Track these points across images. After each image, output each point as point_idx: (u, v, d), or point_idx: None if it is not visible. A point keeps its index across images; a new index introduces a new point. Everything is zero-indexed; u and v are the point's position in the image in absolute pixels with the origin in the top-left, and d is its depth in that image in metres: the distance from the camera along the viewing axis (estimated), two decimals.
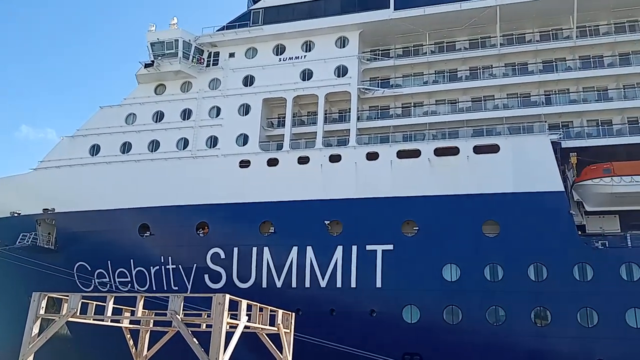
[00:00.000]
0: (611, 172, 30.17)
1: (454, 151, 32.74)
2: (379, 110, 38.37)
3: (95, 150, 40.05)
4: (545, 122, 33.37)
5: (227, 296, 16.81)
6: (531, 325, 28.43)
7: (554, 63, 35.70)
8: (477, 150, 32.35)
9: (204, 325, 19.92)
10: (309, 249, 32.74)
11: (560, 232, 29.35)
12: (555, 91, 35.33)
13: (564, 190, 30.33)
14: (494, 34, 36.31)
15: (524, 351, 28.01)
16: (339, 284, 31.77)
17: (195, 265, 34.52)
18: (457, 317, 29.45)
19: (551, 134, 32.13)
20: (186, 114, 39.42)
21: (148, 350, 21.67)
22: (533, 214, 29.70)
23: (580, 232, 30.41)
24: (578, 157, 31.70)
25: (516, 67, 36.27)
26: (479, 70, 36.91)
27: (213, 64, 40.56)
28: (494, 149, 32.12)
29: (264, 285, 32.96)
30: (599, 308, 27.70)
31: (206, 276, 34.15)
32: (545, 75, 35.01)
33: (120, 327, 21.26)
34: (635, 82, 33.83)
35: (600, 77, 34.26)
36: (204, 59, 40.75)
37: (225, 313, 16.45)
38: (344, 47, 38.09)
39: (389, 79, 38.80)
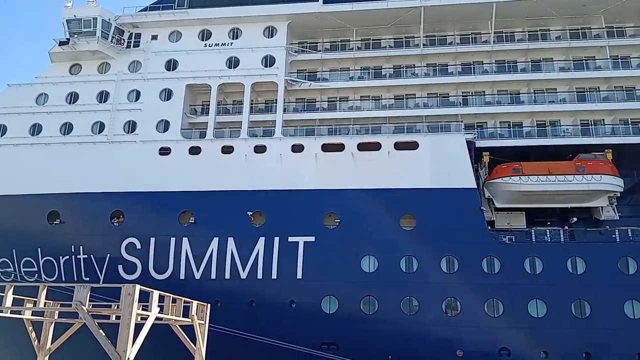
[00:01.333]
0: (520, 171, 32.06)
1: (376, 146, 33.49)
2: (306, 103, 38.48)
3: (1, 131, 37.26)
4: (462, 121, 34.83)
5: (138, 287, 16.20)
6: (442, 315, 29.75)
7: (472, 66, 37.33)
8: (398, 146, 33.28)
9: (114, 317, 19.12)
10: (230, 240, 32.33)
11: (472, 226, 30.89)
12: (472, 93, 37.01)
13: (476, 187, 31.91)
14: (417, 34, 37.39)
15: (435, 340, 29.22)
16: (259, 276, 31.64)
17: (108, 255, 33.07)
18: (374, 307, 30.25)
19: (467, 133, 33.63)
20: (103, 97, 37.53)
21: (52, 343, 20.47)
22: (447, 209, 31.05)
23: (489, 227, 32.14)
24: (490, 156, 33.49)
25: (437, 67, 37.58)
26: (402, 69, 37.88)
27: (134, 46, 38.85)
28: (413, 145, 33.18)
29: (182, 276, 32.18)
30: (504, 299, 29.44)
31: (120, 267, 32.81)
32: (463, 77, 36.57)
33: (22, 318, 19.95)
34: (544, 87, 36.09)
35: (514, 82, 36.22)
36: (124, 39, 38.93)
37: (135, 304, 15.85)
38: (272, 37, 37.77)
39: (316, 72, 38.95)
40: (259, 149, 34.48)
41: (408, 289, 30.15)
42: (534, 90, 36.24)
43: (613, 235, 31.00)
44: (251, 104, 36.97)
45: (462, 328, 29.25)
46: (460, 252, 30.32)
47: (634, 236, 30.86)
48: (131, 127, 36.42)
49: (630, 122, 34.09)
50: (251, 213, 32.91)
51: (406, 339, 29.17)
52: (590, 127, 34.33)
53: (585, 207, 32.40)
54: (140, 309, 16.82)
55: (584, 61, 36.19)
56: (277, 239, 32.03)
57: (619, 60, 35.81)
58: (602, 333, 27.96)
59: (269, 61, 37.08)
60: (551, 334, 28.45)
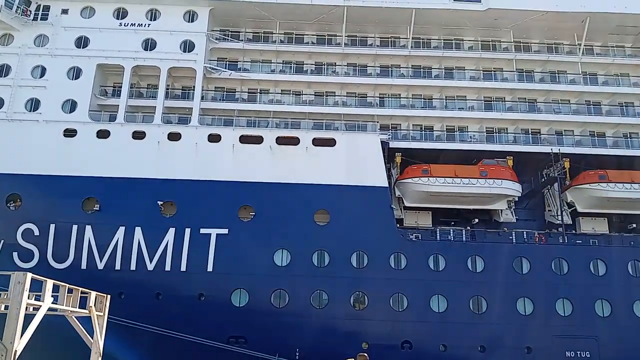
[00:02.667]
0: (428, 173, 33.50)
1: (295, 141, 33.56)
2: (225, 93, 37.74)
3: None
4: (378, 122, 35.69)
5: (29, 275, 15.11)
6: (350, 309, 30.43)
7: (390, 69, 38.41)
8: (316, 142, 33.57)
9: (2, 306, 17.72)
10: (138, 230, 31.05)
11: (382, 224, 31.86)
12: (388, 95, 38.10)
13: (387, 186, 32.94)
14: (339, 33, 37.88)
15: (342, 333, 29.77)
16: (167, 267, 30.64)
17: (2, 241, 30.61)
18: (284, 301, 30.34)
19: (381, 133, 34.54)
20: (4, 71, 34.62)
21: None
22: (360, 205, 31.78)
23: (398, 225, 33.33)
24: (402, 157, 34.72)
25: (357, 67, 38.28)
26: (323, 66, 38.26)
27: (41, 19, 36.08)
28: (330, 142, 33.61)
29: (84, 266, 30.44)
30: (408, 294, 30.65)
31: (15, 254, 30.47)
32: (381, 79, 37.55)
33: None
34: (455, 94, 37.91)
35: (428, 87, 37.73)
36: (30, 11, 36.08)
37: (26, 293, 14.77)
38: (192, 21, 36.62)
39: (237, 61, 38.30)
40: (173, 137, 33.38)
41: (319, 282, 30.54)
42: (446, 97, 37.94)
43: (510, 237, 33.23)
44: (167, 89, 35.68)
45: (368, 321, 30.07)
46: (370, 248, 31.16)
47: (528, 238, 33.30)
48: (34, 105, 33.89)
49: (530, 132, 36.70)
50: (162, 203, 31.81)
51: (314, 332, 29.50)
52: (494, 134, 36.56)
53: (487, 209, 34.50)
54: (34, 298, 15.70)
55: (492, 72, 38.45)
56: (188, 230, 31.18)
57: (524, 73, 38.44)
58: (496, 328, 29.78)
59: (188, 46, 35.94)
60: (450, 328, 29.98)
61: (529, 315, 30.27)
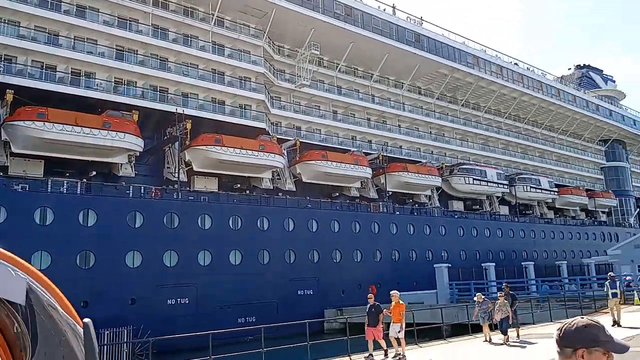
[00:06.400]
0: (45, 117, 30.35)
1: None
2: None
3: None
4: None
5: None
6: None
7: None
8: None
9: None
10: None
11: None
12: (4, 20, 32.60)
13: None
14: None
15: None
16: None
17: None
18: None
19: None
20: None
21: None
22: None
23: (1, 173, 29.30)
24: (15, 96, 30.46)
25: None
26: None
27: None
28: None
29: None
30: (10, 249, 27.23)
31: None
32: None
33: None
34: (86, 36, 35.12)
35: (57, 22, 33.84)
36: None
37: None
38: None
39: None
40: None
41: None
42: (75, 37, 34.92)
43: (127, 191, 33.40)
44: None
45: None
46: None
47: (144, 193, 34.18)
48: None
49: (158, 90, 37.40)
50: None
51: None
52: (123, 86, 35.81)
53: (107, 162, 33.74)
54: None
55: (128, 21, 37.25)
56: None
57: (159, 30, 38.64)
58: (102, 281, 29.29)
59: None
60: (57, 285, 28.20)
61: (136, 267, 31.06)
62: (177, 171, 35.68)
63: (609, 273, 23.58)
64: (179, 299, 31.90)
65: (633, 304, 27.59)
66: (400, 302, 15.72)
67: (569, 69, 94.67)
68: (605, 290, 20.48)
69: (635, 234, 57.75)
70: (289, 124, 45.47)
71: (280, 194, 41.52)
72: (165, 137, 36.80)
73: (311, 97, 46.93)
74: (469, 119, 61.64)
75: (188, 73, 38.91)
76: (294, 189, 42.46)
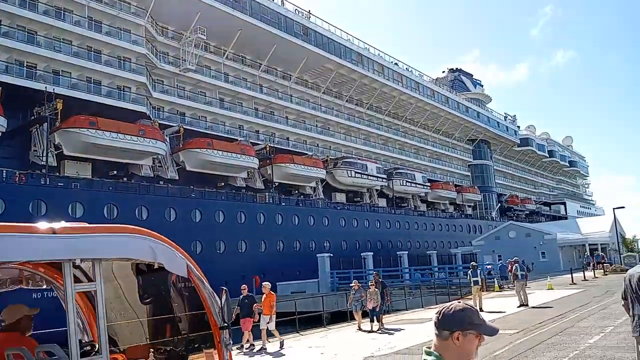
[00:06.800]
0: None
1: None
2: None
3: None
4: None
5: None
6: None
7: None
8: None
9: None
10: None
11: None
12: None
13: None
14: None
15: None
16: None
17: None
18: None
19: None
20: None
21: None
22: None
23: None
24: None
25: None
26: None
27: None
28: None
29: None
30: None
31: None
32: None
33: None
34: None
35: None
36: None
37: None
38: None
39: None
40: None
41: None
42: None
43: None
44: None
45: None
46: None
47: (7, 178, 30.97)
48: None
49: (25, 65, 33.96)
50: None
51: None
52: None
53: None
54: None
55: None
56: None
57: (27, 0, 34.97)
58: None
59: None
60: None
61: None
62: (44, 154, 32.73)
63: (472, 262, 25.85)
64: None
65: (494, 290, 30.50)
66: (272, 293, 15.91)
67: (443, 71, 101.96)
68: (468, 278, 22.41)
69: (496, 227, 63.95)
70: (172, 109, 43.70)
71: (161, 182, 39.85)
72: (33, 117, 33.55)
73: (197, 82, 45.49)
74: (352, 115, 63.77)
75: (60, 49, 35.72)
76: (177, 178, 40.96)
